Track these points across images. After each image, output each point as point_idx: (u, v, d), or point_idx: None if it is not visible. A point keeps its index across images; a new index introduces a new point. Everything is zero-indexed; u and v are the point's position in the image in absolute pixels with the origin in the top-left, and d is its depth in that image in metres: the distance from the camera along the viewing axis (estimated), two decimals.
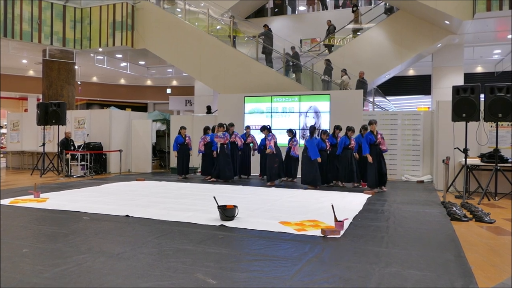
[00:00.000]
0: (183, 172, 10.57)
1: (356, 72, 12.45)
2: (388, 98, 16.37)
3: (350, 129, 8.83)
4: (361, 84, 12.14)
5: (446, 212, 5.75)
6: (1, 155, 15.02)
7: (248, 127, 10.70)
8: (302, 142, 11.19)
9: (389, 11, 13.33)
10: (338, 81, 12.43)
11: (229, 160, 9.70)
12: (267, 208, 6.02)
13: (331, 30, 13.58)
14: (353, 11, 13.86)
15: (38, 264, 3.30)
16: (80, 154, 10.95)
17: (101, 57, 16.07)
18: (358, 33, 13.72)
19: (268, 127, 9.58)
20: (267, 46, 13.00)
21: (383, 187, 8.25)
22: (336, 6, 15.84)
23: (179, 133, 10.67)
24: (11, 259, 3.41)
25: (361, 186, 8.76)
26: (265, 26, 13.54)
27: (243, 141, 10.24)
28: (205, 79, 13.78)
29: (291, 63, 12.96)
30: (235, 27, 13.51)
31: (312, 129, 8.77)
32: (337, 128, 9.20)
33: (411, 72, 17.41)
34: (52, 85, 14.23)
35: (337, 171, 8.89)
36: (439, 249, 3.84)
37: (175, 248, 3.77)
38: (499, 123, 7.31)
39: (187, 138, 10.65)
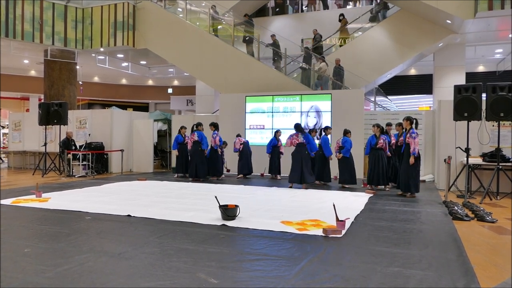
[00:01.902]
0: (182, 171, 10.65)
1: (357, 71, 12.45)
2: (390, 97, 16.36)
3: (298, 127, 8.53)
4: (338, 70, 12.30)
5: (447, 211, 5.75)
6: (3, 155, 15.05)
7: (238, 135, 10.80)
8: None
9: (373, 19, 13.47)
10: (316, 67, 12.60)
11: (190, 159, 10.11)
12: (268, 207, 6.02)
13: (317, 38, 13.60)
14: (339, 20, 13.92)
15: (40, 263, 3.30)
16: (82, 154, 10.96)
17: (103, 57, 16.09)
18: (356, 35, 13.76)
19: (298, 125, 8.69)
20: (248, 35, 13.23)
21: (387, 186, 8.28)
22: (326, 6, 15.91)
23: (179, 132, 10.74)
24: (13, 258, 3.42)
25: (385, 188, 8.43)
26: (246, 15, 13.64)
27: (215, 142, 10.08)
28: (206, 79, 13.80)
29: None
30: (214, 22, 13.52)
31: (326, 128, 9.15)
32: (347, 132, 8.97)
33: (412, 72, 17.38)
34: (54, 85, 14.25)
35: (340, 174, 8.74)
36: (440, 249, 3.83)
37: (176, 248, 3.77)
38: (500, 122, 7.30)
39: (186, 137, 10.69)
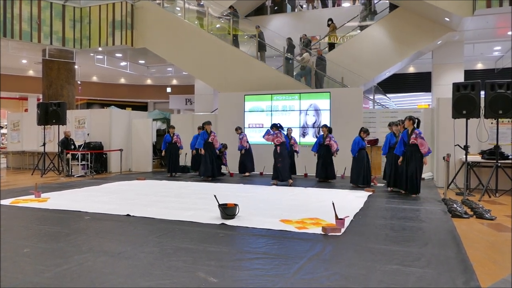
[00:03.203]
0: (172, 171, 10.79)
1: (356, 69, 12.44)
2: (388, 95, 16.37)
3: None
4: (320, 60, 12.48)
5: (446, 209, 5.75)
6: (2, 155, 15.03)
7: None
8: (303, 140, 11.23)
9: (362, 26, 13.60)
10: (299, 58, 12.83)
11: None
12: (268, 206, 6.02)
13: (305, 42, 13.61)
14: (328, 25, 13.95)
15: (39, 263, 3.30)
16: (81, 154, 10.95)
17: (101, 57, 16.07)
18: (354, 33, 13.80)
19: (278, 125, 9.09)
20: (235, 28, 13.43)
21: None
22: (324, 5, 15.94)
23: (168, 132, 10.92)
24: (13, 259, 3.42)
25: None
26: (231, 7, 13.68)
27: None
28: (205, 78, 13.79)
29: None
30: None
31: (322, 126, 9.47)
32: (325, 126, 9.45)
33: (411, 70, 17.40)
34: (52, 84, 14.23)
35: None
36: (440, 246, 3.84)
37: (176, 247, 3.77)
38: (499, 119, 7.31)
39: (175, 137, 10.77)
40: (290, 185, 8.58)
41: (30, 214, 5.44)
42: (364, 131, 8.52)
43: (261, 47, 13.22)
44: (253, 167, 10.82)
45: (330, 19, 13.98)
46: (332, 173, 9.30)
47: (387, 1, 13.23)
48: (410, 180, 7.09)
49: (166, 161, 11.09)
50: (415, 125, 7.09)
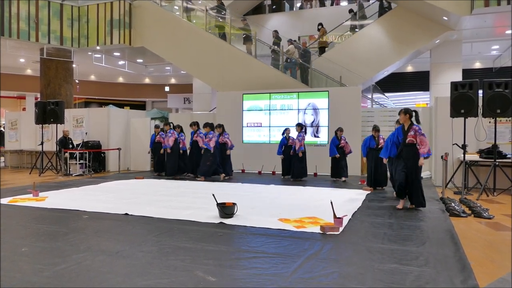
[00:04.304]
0: (157, 170, 10.84)
1: (354, 68, 12.44)
2: (387, 94, 16.37)
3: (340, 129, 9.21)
4: (305, 52, 12.79)
5: (445, 208, 5.76)
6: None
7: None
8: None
9: (353, 28, 13.74)
10: (284, 50, 13.04)
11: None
12: (266, 205, 6.02)
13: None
14: (318, 29, 13.97)
15: (37, 263, 3.29)
16: (79, 153, 10.93)
17: (99, 56, 16.03)
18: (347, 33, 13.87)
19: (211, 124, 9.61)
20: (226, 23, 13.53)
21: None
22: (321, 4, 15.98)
23: (155, 131, 11.04)
24: (11, 258, 3.41)
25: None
26: (218, 0, 13.68)
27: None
28: (204, 77, 13.78)
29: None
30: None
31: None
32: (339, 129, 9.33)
33: (409, 69, 17.41)
34: (50, 83, 14.20)
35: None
36: (438, 245, 3.84)
37: (174, 246, 3.77)
38: (497, 118, 7.32)
39: (158, 136, 10.82)
40: (223, 180, 9.33)
41: (28, 213, 5.43)
42: (373, 128, 8.00)
43: (247, 39, 13.29)
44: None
45: (320, 24, 14.02)
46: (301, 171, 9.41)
47: (379, 1, 13.25)
48: (415, 191, 5.78)
49: (154, 160, 11.19)
50: (413, 120, 5.92)
